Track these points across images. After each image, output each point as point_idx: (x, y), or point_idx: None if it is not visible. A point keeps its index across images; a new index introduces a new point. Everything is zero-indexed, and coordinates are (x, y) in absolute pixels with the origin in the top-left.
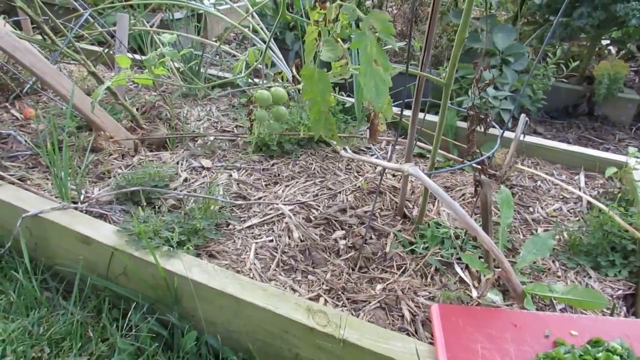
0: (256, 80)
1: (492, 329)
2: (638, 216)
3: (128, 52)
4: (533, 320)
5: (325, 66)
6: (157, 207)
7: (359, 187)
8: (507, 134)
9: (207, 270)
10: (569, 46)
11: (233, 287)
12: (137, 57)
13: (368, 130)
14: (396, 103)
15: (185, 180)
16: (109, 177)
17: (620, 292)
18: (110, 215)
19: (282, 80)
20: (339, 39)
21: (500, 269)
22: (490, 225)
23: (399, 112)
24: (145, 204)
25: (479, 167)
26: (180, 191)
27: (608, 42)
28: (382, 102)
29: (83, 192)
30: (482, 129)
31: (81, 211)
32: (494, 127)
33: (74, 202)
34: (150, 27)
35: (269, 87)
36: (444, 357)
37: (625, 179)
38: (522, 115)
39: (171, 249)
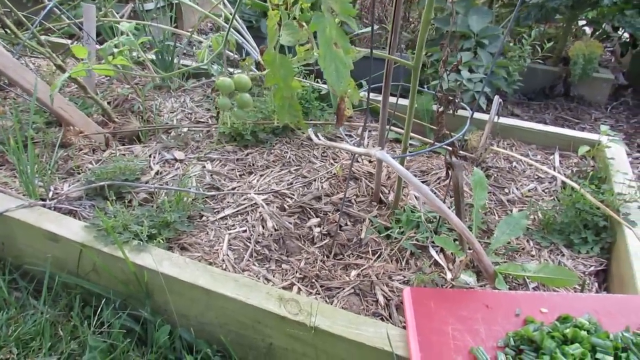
0: (230, 69)
1: (464, 311)
2: (609, 193)
3: (97, 44)
4: (504, 299)
5: (293, 51)
6: (128, 201)
7: (334, 174)
8: (483, 116)
9: (178, 263)
10: (546, 28)
11: (204, 279)
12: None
13: (335, 116)
14: (374, 86)
15: (158, 173)
16: (79, 173)
17: (592, 268)
18: (79, 212)
19: (247, 66)
20: (304, 23)
21: (471, 251)
22: (463, 208)
23: (375, 97)
24: (115, 198)
25: (450, 149)
26: (153, 184)
27: (584, 22)
28: (344, 86)
29: (52, 188)
30: (451, 111)
31: (49, 208)
32: (464, 108)
33: (42, 199)
34: (120, 17)
35: (231, 75)
36: (414, 340)
37: (598, 157)
38: (496, 97)
39: (141, 243)
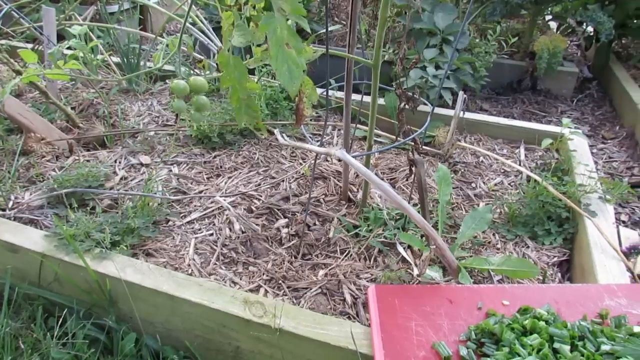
0: (197, 71)
1: (427, 306)
2: (571, 185)
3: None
4: (468, 293)
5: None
6: (91, 208)
7: (302, 174)
8: (450, 112)
9: (142, 269)
10: (513, 23)
11: (168, 285)
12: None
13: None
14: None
15: (123, 178)
16: (42, 181)
17: (555, 259)
18: (41, 221)
19: (204, 68)
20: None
21: (434, 246)
22: (426, 204)
23: (344, 97)
24: (77, 206)
25: (413, 146)
26: (118, 190)
27: (550, 17)
28: (297, 86)
29: (12, 197)
30: (411, 108)
31: (9, 218)
32: (424, 104)
33: (2, 210)
34: (83, 20)
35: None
36: (378, 338)
37: (562, 149)
38: (461, 93)
39: (104, 250)
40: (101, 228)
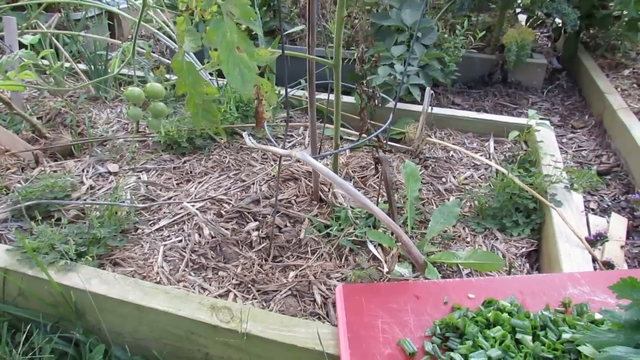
0: (167, 76)
1: (394, 303)
2: (538, 175)
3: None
4: (434, 289)
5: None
6: (56, 220)
7: (273, 175)
8: (419, 108)
9: (107, 280)
10: (484, 17)
11: (134, 295)
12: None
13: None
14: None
15: (91, 187)
16: (6, 193)
17: (524, 250)
18: (5, 235)
19: (161, 74)
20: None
21: (400, 243)
22: (393, 200)
23: (308, 98)
24: (42, 218)
25: (377, 144)
26: (85, 200)
27: (520, 10)
28: (250, 90)
29: None
30: (373, 105)
31: None
32: (387, 99)
33: None
34: (47, 28)
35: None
36: (344, 337)
37: (530, 141)
38: (427, 89)
39: (68, 262)
40: (66, 239)
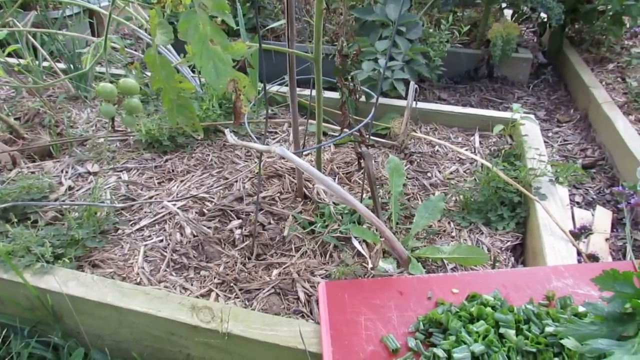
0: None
1: (377, 299)
2: (522, 169)
3: None
4: (418, 284)
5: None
6: (33, 222)
7: (256, 173)
8: (404, 102)
9: (85, 282)
10: (470, 12)
11: (112, 296)
12: (13, 60)
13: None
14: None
15: (70, 188)
16: None
17: (509, 243)
18: None
19: (136, 69)
20: None
21: (383, 238)
22: (377, 196)
23: (289, 93)
24: (18, 220)
25: (360, 139)
26: (63, 201)
27: (505, 5)
28: (224, 84)
29: None
30: (355, 99)
31: None
32: (371, 94)
33: None
34: (23, 26)
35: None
36: (327, 335)
37: (515, 135)
38: (412, 84)
39: (45, 265)
40: (42, 242)
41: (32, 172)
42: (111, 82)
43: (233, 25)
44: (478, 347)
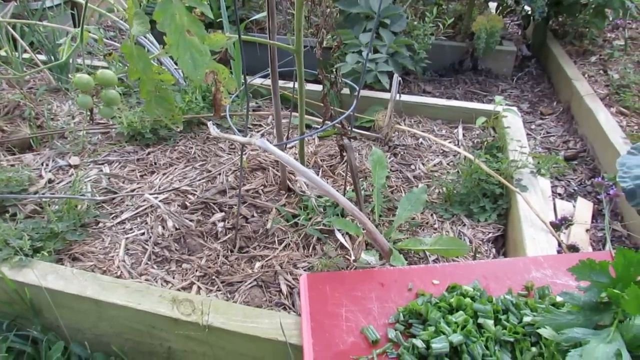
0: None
1: (359, 291)
2: (504, 161)
3: None
4: (399, 276)
5: None
6: (12, 215)
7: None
8: (388, 95)
9: (65, 275)
10: (455, 5)
11: (92, 289)
12: None
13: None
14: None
15: (50, 181)
16: None
17: (490, 235)
18: None
19: (115, 60)
20: None
21: (365, 230)
22: (359, 188)
23: (271, 85)
24: None
25: (341, 131)
26: (43, 194)
27: None
28: (202, 75)
29: None
30: (336, 91)
31: None
32: (354, 87)
33: None
34: (2, 17)
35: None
36: (307, 326)
37: (498, 127)
38: (395, 76)
39: (24, 258)
40: (21, 235)
41: (12, 165)
42: (88, 73)
43: (211, 15)
44: (456, 338)
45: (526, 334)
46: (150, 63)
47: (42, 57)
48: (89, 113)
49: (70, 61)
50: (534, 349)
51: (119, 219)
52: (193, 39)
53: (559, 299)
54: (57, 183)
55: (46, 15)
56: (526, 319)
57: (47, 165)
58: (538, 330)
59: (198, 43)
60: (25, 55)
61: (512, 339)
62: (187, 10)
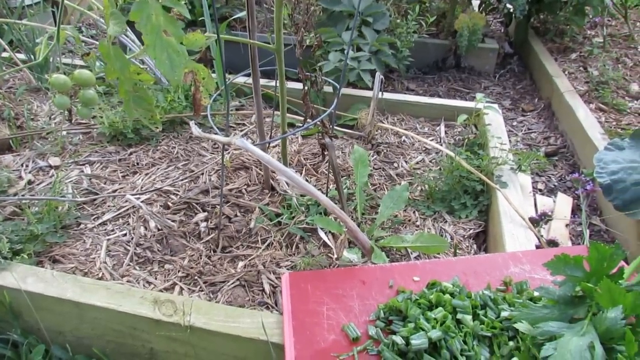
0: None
1: (340, 289)
2: (485, 158)
3: None
4: (380, 273)
5: None
6: None
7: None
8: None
9: (45, 277)
10: (438, 2)
11: (72, 292)
12: None
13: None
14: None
15: (30, 182)
16: None
17: (471, 231)
18: None
19: (93, 60)
20: None
21: (346, 229)
22: (341, 186)
23: (252, 84)
24: None
25: (323, 129)
26: (23, 195)
27: None
28: (179, 76)
29: None
30: (316, 90)
31: None
32: (336, 85)
33: None
34: None
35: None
36: (289, 325)
37: (479, 124)
38: (377, 74)
39: (3, 261)
40: (0, 237)
41: None
42: (65, 73)
43: (188, 16)
44: (435, 333)
45: (504, 328)
46: (127, 63)
47: (22, 56)
48: (67, 113)
49: (51, 60)
50: (511, 343)
51: (100, 220)
52: (170, 40)
53: (536, 293)
54: (37, 184)
55: (26, 13)
56: (504, 314)
57: (27, 166)
58: (515, 325)
59: (175, 43)
60: (5, 54)
61: (489, 334)
62: (164, 10)
